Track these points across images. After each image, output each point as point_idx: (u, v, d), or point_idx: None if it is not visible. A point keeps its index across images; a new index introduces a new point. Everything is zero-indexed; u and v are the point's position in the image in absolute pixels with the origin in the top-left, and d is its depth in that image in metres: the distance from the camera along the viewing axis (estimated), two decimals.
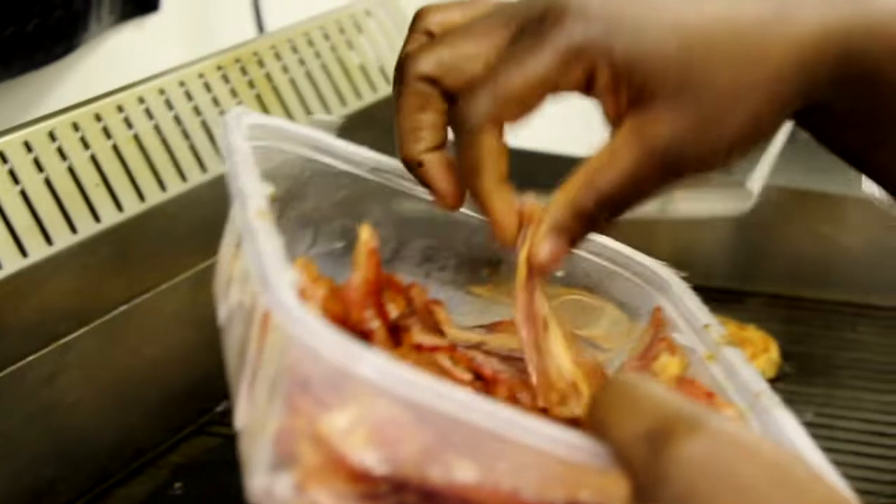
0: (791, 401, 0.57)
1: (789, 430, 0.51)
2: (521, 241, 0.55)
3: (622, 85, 0.53)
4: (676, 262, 0.66)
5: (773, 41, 0.56)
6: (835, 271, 1.24)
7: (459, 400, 0.43)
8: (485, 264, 0.67)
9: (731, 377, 0.58)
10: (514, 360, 0.62)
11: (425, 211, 0.65)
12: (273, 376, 0.47)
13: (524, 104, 0.52)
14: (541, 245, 0.55)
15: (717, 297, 1.09)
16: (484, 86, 0.53)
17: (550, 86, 0.52)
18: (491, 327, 0.65)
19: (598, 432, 0.44)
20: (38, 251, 0.83)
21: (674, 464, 0.43)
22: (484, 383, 0.59)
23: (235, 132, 0.58)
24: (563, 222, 0.55)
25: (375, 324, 0.58)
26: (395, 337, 0.59)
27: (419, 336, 0.59)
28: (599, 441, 0.44)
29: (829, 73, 0.57)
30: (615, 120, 0.54)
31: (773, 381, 1.04)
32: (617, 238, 0.64)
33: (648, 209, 0.99)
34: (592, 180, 0.53)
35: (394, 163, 0.63)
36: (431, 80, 0.54)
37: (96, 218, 0.86)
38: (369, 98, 1.19)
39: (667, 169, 0.55)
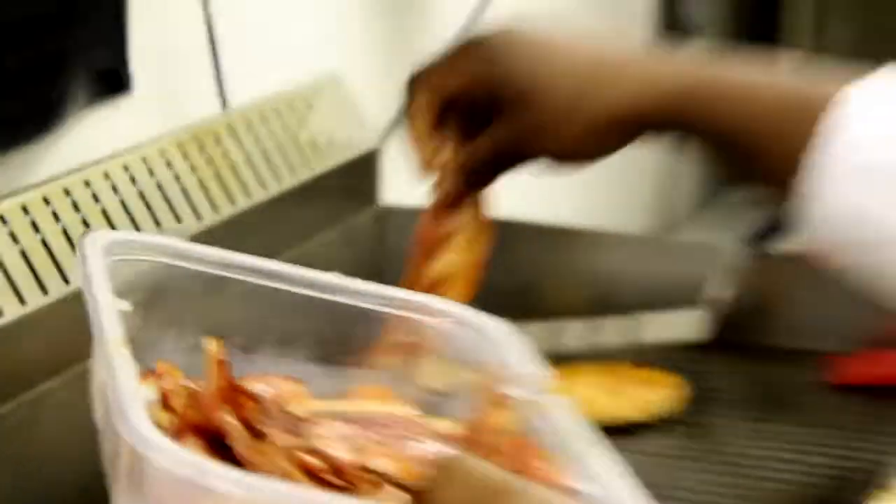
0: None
1: (607, 476, 0.57)
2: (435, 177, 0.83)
3: (495, 98, 0.81)
4: None
5: (608, 93, 0.80)
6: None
7: (296, 496, 0.51)
8: (342, 341, 0.73)
9: (557, 427, 0.63)
10: (371, 423, 0.68)
11: (280, 298, 0.72)
12: (131, 481, 0.52)
13: (447, 96, 0.81)
14: (445, 181, 0.83)
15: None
16: (425, 82, 0.83)
17: (458, 89, 0.82)
18: (349, 394, 0.71)
19: None
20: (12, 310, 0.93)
21: None
22: (328, 470, 0.63)
23: (91, 258, 0.65)
24: (460, 168, 0.83)
25: (233, 423, 0.62)
26: (254, 431, 0.63)
27: (276, 438, 0.63)
28: None
29: (657, 118, 0.79)
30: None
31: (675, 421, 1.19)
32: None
33: (615, 338, 1.13)
34: (476, 147, 0.81)
35: (241, 258, 0.72)
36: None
37: (66, 281, 0.97)
38: (319, 170, 1.30)
39: (512, 153, 0.82)
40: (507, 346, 0.68)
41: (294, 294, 0.72)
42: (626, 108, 0.78)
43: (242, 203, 1.23)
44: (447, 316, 0.71)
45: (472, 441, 0.67)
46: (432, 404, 0.71)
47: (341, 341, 0.72)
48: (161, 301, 0.68)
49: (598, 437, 0.60)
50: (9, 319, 0.91)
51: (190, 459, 0.49)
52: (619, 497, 0.56)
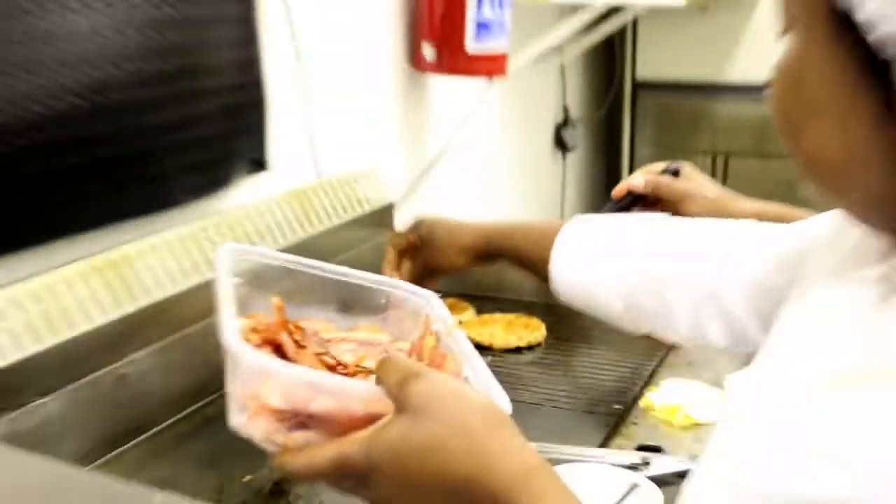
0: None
1: (480, 367, 0.83)
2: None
3: (419, 241, 1.28)
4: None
5: (461, 238, 1.28)
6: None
7: (316, 376, 0.73)
8: (353, 302, 0.98)
9: (457, 345, 0.88)
10: (365, 343, 0.92)
11: (320, 279, 0.96)
12: (234, 373, 0.74)
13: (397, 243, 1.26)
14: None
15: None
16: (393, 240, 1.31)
17: (399, 242, 1.30)
18: (355, 328, 0.95)
19: (379, 382, 0.72)
20: None
21: (411, 393, 0.70)
22: (334, 365, 0.84)
23: (221, 255, 0.89)
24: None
25: (287, 339, 0.82)
26: (298, 344, 0.84)
27: (311, 348, 0.84)
28: (382, 385, 0.72)
29: (486, 249, 1.23)
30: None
31: (538, 346, 1.55)
32: None
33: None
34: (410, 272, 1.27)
35: (298, 258, 0.95)
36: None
37: None
38: (361, 211, 1.74)
39: (421, 266, 1.27)
40: (436, 305, 0.96)
41: (327, 277, 0.97)
42: (466, 247, 1.26)
43: (318, 227, 1.63)
44: (409, 290, 0.99)
45: (414, 352, 0.91)
46: (398, 334, 0.96)
47: (353, 302, 0.99)
48: (256, 280, 0.92)
49: (475, 352, 0.85)
50: (185, 287, 1.29)
51: (258, 355, 0.73)
52: (485, 379, 0.81)
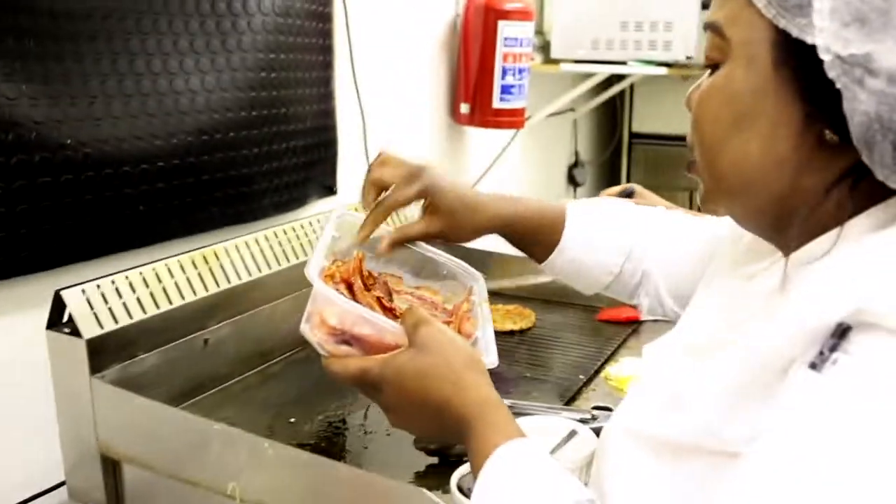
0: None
1: (488, 331, 0.85)
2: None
3: (430, 207, 0.93)
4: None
5: (479, 217, 0.95)
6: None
7: (363, 310, 0.77)
8: (421, 267, 0.96)
9: (482, 314, 0.89)
10: (421, 298, 0.93)
11: (408, 252, 0.94)
12: (313, 294, 0.79)
13: (402, 204, 0.91)
14: (382, 245, 0.91)
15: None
16: (391, 193, 0.92)
17: (412, 200, 0.92)
18: (418, 288, 0.95)
19: (402, 323, 0.76)
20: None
21: (420, 334, 0.74)
22: (385, 304, 0.86)
23: (331, 217, 0.93)
24: (391, 240, 0.91)
25: (357, 281, 0.85)
26: (367, 286, 0.86)
27: (375, 291, 0.86)
28: (403, 325, 0.76)
29: (501, 231, 0.98)
30: (423, 214, 0.94)
31: (529, 329, 1.53)
32: None
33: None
34: (407, 228, 0.93)
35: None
36: (374, 185, 0.93)
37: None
38: None
39: (436, 235, 0.94)
40: (480, 282, 0.96)
41: (409, 248, 0.94)
42: (483, 228, 0.97)
43: None
44: (464, 269, 0.97)
45: (453, 311, 0.91)
46: (448, 297, 0.95)
47: (421, 268, 0.97)
48: (348, 236, 0.92)
49: (491, 321, 0.88)
50: (256, 277, 1.30)
51: (326, 287, 0.79)
52: (489, 339, 0.83)
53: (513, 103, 2.08)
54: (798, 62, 0.58)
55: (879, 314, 0.52)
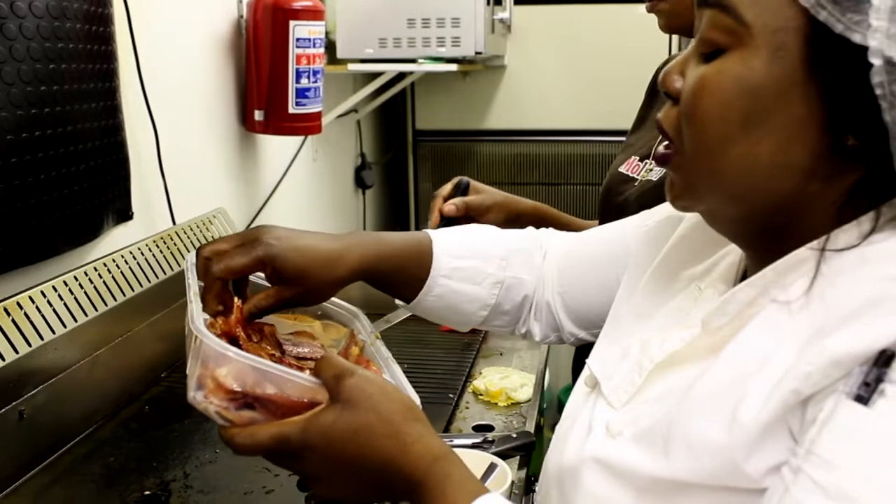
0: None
1: (397, 372, 0.77)
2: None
3: (275, 275, 0.79)
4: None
5: (338, 271, 0.82)
6: None
7: (265, 364, 0.67)
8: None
9: (378, 353, 0.81)
10: (301, 346, 0.83)
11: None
12: (198, 355, 0.68)
13: (234, 272, 0.77)
14: (246, 309, 0.78)
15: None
16: (219, 261, 0.76)
17: (246, 269, 0.78)
18: (294, 335, 0.86)
19: (317, 375, 0.67)
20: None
21: (344, 387, 0.65)
22: (278, 359, 0.77)
23: (191, 269, 0.80)
24: (241, 317, 0.78)
25: (241, 334, 0.77)
26: (250, 338, 0.78)
27: (265, 344, 0.79)
28: (319, 378, 0.67)
29: (365, 278, 0.85)
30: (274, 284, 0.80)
31: None
32: None
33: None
34: (258, 300, 0.79)
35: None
36: (206, 259, 0.77)
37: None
38: None
39: (293, 302, 0.81)
40: (362, 318, 0.87)
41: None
42: (344, 281, 0.83)
43: (178, 267, 1.51)
44: (339, 306, 0.88)
45: (343, 355, 0.81)
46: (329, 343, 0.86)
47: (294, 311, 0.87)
48: None
49: (393, 359, 0.80)
50: (71, 327, 1.19)
51: (219, 342, 0.68)
52: (400, 381, 0.75)
53: (309, 107, 1.95)
54: (834, 61, 0.52)
55: None
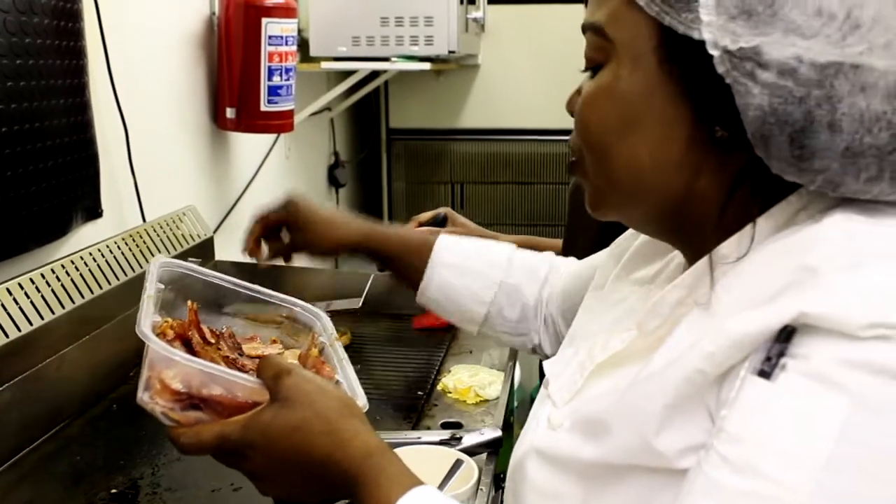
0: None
1: (350, 373, 0.78)
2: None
3: (291, 218, 1.04)
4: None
5: (337, 232, 1.06)
6: None
7: (211, 367, 0.69)
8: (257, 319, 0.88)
9: (335, 354, 0.82)
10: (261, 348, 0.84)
11: (239, 296, 0.87)
12: (146, 358, 0.70)
13: (264, 211, 1.02)
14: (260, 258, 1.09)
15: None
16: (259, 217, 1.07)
17: (273, 211, 1.05)
18: (250, 339, 0.86)
19: (259, 375, 0.69)
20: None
21: (282, 386, 0.67)
22: (232, 360, 0.78)
23: (152, 267, 0.81)
24: (265, 255, 1.09)
25: (195, 335, 0.77)
26: (205, 341, 0.77)
27: (220, 344, 0.79)
28: (261, 378, 0.69)
29: (359, 246, 1.02)
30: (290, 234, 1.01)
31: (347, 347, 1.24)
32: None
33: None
34: (274, 244, 1.06)
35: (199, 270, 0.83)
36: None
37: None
38: (186, 247, 1.62)
39: (300, 247, 1.04)
40: (325, 320, 0.88)
41: (239, 291, 0.87)
42: (341, 241, 1.02)
43: (145, 265, 1.32)
44: (303, 307, 0.89)
45: (301, 359, 0.82)
46: (292, 343, 0.87)
47: (259, 313, 0.89)
48: (183, 288, 0.83)
49: (348, 360, 0.81)
50: (38, 325, 1.15)
51: (164, 345, 0.69)
52: (352, 382, 0.77)
53: (281, 105, 1.94)
54: (685, 59, 0.56)
55: (819, 317, 0.51)
